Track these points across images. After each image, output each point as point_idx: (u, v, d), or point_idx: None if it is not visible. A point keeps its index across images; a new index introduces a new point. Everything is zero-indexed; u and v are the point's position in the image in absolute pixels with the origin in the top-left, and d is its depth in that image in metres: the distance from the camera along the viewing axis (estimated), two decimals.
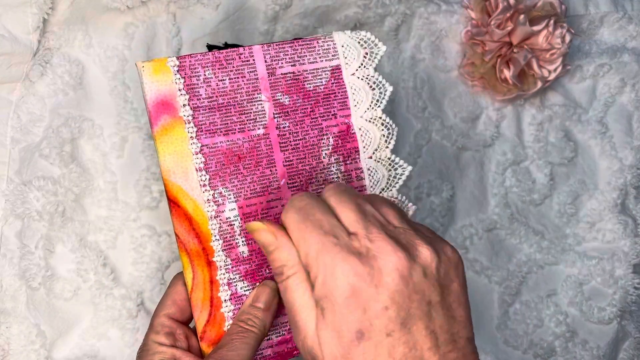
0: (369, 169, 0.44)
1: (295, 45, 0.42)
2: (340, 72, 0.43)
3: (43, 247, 0.49)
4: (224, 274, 0.41)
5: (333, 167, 0.43)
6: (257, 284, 0.41)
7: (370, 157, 0.44)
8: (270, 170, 0.41)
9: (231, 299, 0.41)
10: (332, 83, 0.43)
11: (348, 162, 0.43)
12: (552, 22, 0.58)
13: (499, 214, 0.61)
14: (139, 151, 0.52)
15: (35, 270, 0.48)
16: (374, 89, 0.43)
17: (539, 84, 0.60)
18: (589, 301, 0.61)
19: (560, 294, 0.61)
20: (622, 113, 0.65)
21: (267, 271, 0.42)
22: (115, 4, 0.52)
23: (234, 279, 0.41)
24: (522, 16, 0.58)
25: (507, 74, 0.59)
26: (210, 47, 0.47)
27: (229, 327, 0.41)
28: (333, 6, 0.58)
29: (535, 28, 0.58)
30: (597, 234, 0.62)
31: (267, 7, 0.55)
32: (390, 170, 0.44)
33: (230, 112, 0.41)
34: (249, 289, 0.41)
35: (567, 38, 0.59)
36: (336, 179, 0.43)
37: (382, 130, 0.43)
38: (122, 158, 0.52)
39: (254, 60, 0.41)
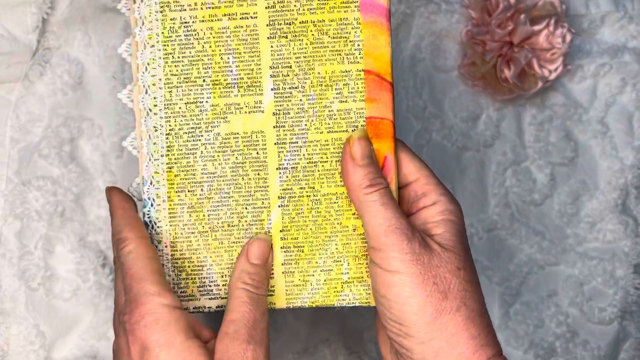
0: None
1: None
2: None
3: (42, 247, 0.49)
4: None
5: None
6: None
7: None
8: None
9: None
10: None
11: None
12: (552, 21, 0.58)
13: (499, 214, 0.61)
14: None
15: (35, 271, 0.48)
16: None
17: (540, 84, 0.59)
18: (590, 301, 0.60)
19: (561, 294, 0.61)
20: (622, 113, 0.65)
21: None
22: (115, 4, 0.52)
23: None
24: (522, 16, 0.57)
25: (508, 73, 0.58)
26: None
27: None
28: None
29: (536, 28, 0.58)
30: (597, 234, 0.62)
31: None
32: None
33: None
34: None
35: (568, 38, 0.59)
36: None
37: None
38: (121, 158, 0.52)
39: None
